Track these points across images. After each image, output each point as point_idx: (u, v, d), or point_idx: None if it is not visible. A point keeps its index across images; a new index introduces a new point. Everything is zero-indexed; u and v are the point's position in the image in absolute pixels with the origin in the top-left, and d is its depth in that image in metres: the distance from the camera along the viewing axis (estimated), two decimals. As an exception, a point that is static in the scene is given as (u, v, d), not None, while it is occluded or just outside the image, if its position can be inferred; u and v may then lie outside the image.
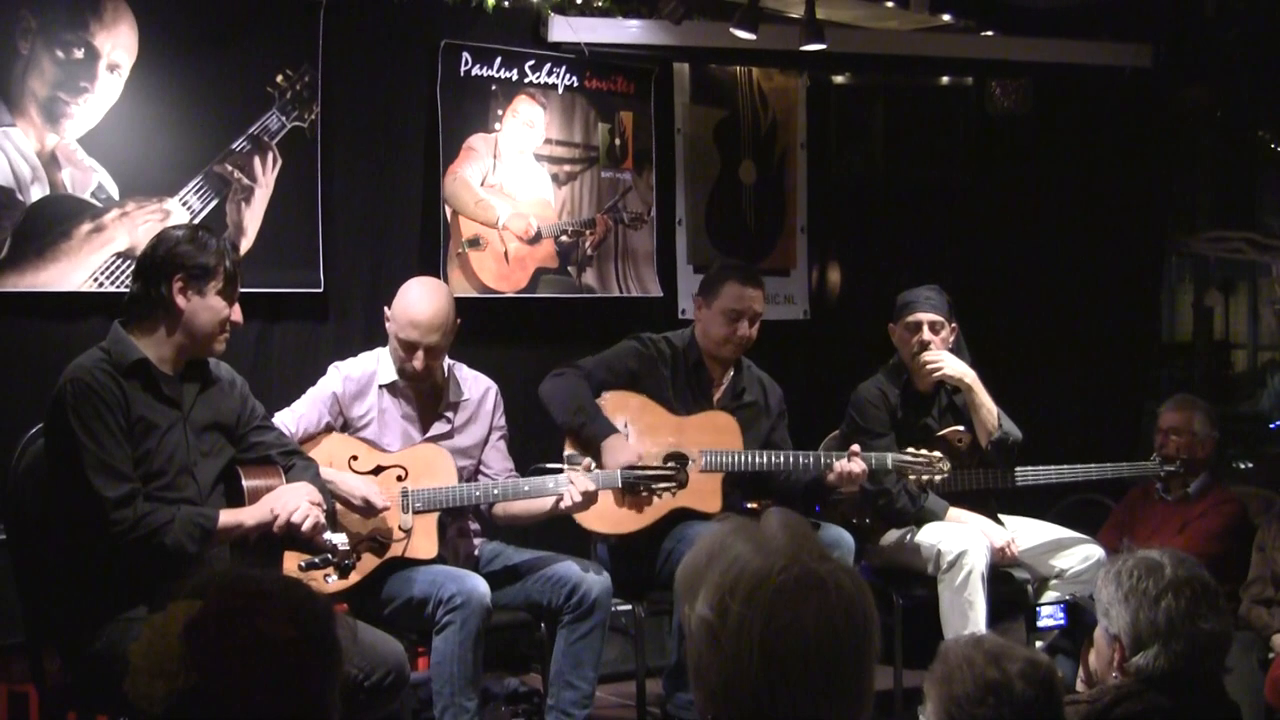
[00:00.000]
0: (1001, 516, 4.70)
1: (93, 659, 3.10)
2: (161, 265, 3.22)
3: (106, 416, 3.09)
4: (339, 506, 3.76)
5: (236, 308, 3.29)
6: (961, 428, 4.58)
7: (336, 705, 1.66)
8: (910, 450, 4.35)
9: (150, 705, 1.58)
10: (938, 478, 4.33)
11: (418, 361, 3.86)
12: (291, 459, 3.44)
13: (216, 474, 3.30)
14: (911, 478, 4.35)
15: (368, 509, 3.75)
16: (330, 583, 3.35)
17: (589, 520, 4.15)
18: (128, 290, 3.32)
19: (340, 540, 3.32)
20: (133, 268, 3.40)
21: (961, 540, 4.37)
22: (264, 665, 1.59)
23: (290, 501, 3.23)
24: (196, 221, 4.30)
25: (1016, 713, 2.00)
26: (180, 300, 3.19)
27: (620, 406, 4.29)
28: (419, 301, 3.90)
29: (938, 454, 4.34)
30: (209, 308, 3.22)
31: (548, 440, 4.34)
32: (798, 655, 1.51)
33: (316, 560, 3.28)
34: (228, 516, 3.19)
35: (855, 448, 4.26)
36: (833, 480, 4.25)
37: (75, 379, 3.12)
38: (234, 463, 3.35)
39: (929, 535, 4.47)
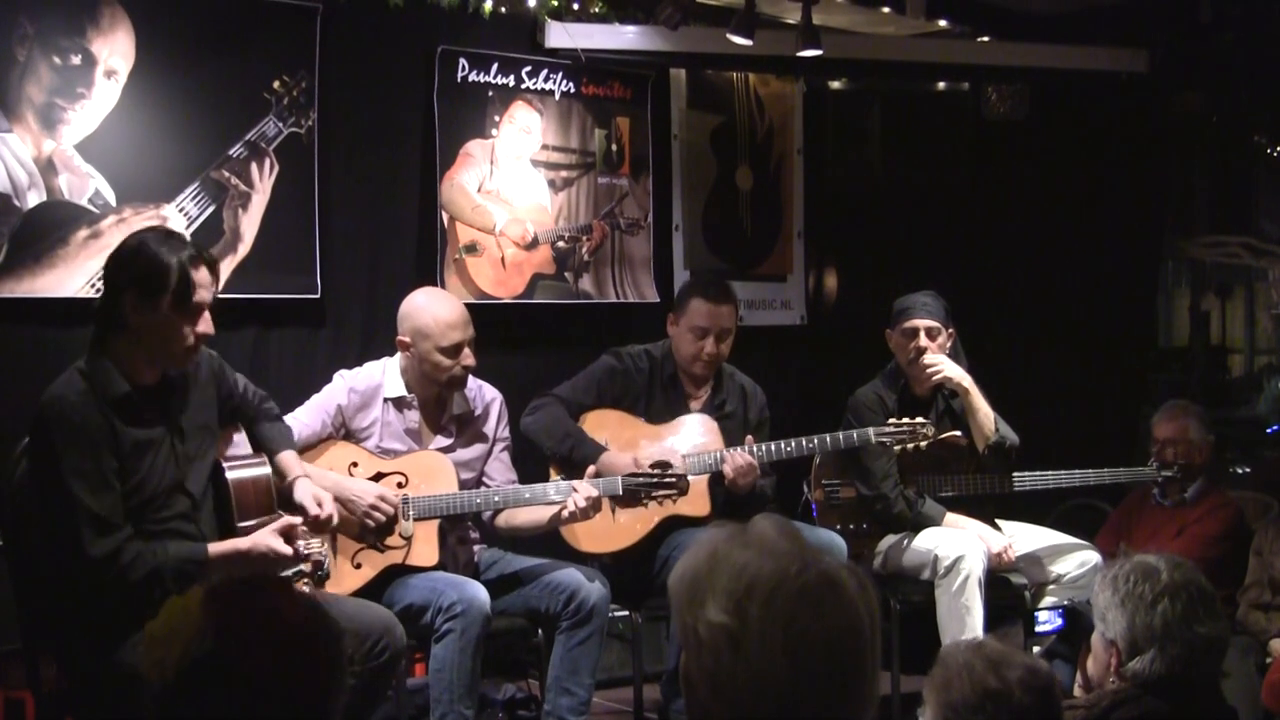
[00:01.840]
0: (999, 522, 4.71)
1: (89, 666, 3.09)
2: (114, 277, 3.15)
3: (95, 459, 3.03)
4: (343, 512, 3.76)
5: (205, 319, 3.15)
6: (959, 432, 4.58)
7: (339, 715, 1.67)
8: (892, 421, 4.35)
9: (162, 672, 1.60)
10: (923, 444, 4.34)
11: (469, 359, 3.89)
12: (263, 424, 3.49)
13: (208, 475, 3.29)
14: (897, 448, 4.36)
15: (375, 513, 3.74)
16: (306, 589, 3.31)
17: (584, 541, 4.15)
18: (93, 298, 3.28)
19: (315, 546, 3.30)
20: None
21: (959, 545, 4.37)
22: (277, 638, 1.62)
23: (267, 544, 3.21)
24: (192, 228, 4.30)
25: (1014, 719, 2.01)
26: (132, 316, 3.09)
27: (599, 425, 4.30)
28: (440, 305, 3.93)
29: (920, 420, 4.35)
30: (162, 323, 3.10)
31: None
32: (822, 655, 1.51)
33: (289, 573, 3.25)
34: (216, 551, 3.16)
35: (750, 438, 4.25)
36: (730, 475, 4.18)
37: (60, 417, 3.03)
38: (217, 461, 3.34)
39: (926, 540, 4.47)
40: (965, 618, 4.31)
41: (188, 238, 3.27)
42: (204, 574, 3.08)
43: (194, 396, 3.30)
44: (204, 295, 3.14)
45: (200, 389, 3.33)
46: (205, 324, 3.17)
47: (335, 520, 3.48)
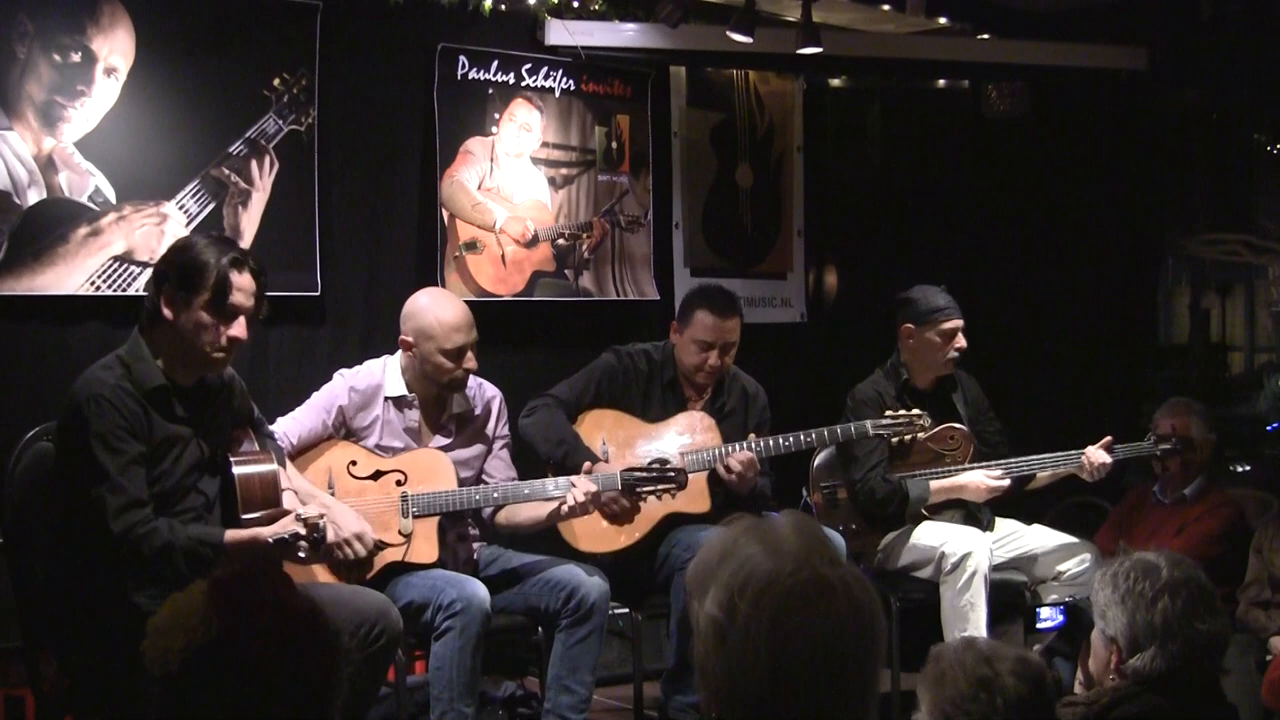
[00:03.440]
0: (999, 520, 4.72)
1: (90, 663, 3.09)
2: (159, 268, 3.23)
3: (126, 439, 3.07)
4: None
5: (239, 323, 3.19)
6: (958, 425, 4.60)
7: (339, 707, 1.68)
8: (889, 413, 4.36)
9: (166, 662, 1.61)
10: (921, 435, 4.35)
11: (471, 362, 3.89)
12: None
13: (219, 481, 3.31)
14: (895, 439, 4.37)
15: (348, 548, 3.62)
16: (303, 556, 3.24)
17: (583, 542, 4.15)
18: (142, 294, 3.32)
19: (312, 512, 3.23)
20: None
21: (965, 542, 4.38)
22: (280, 625, 1.64)
23: (291, 530, 3.19)
24: (192, 226, 4.30)
25: (1009, 707, 2.01)
26: (166, 310, 3.15)
27: (597, 425, 4.30)
28: (445, 307, 3.92)
29: (917, 411, 4.37)
30: (193, 321, 3.14)
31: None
32: (804, 658, 1.51)
33: (285, 536, 3.14)
34: (232, 538, 3.15)
35: (752, 436, 4.25)
36: (733, 469, 4.17)
37: (98, 396, 3.07)
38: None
39: (931, 537, 4.47)
40: (969, 614, 4.31)
41: (241, 248, 3.29)
42: (218, 558, 3.10)
43: (224, 409, 3.35)
44: (241, 299, 3.18)
45: (228, 405, 3.37)
46: (239, 328, 3.19)
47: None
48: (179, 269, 3.16)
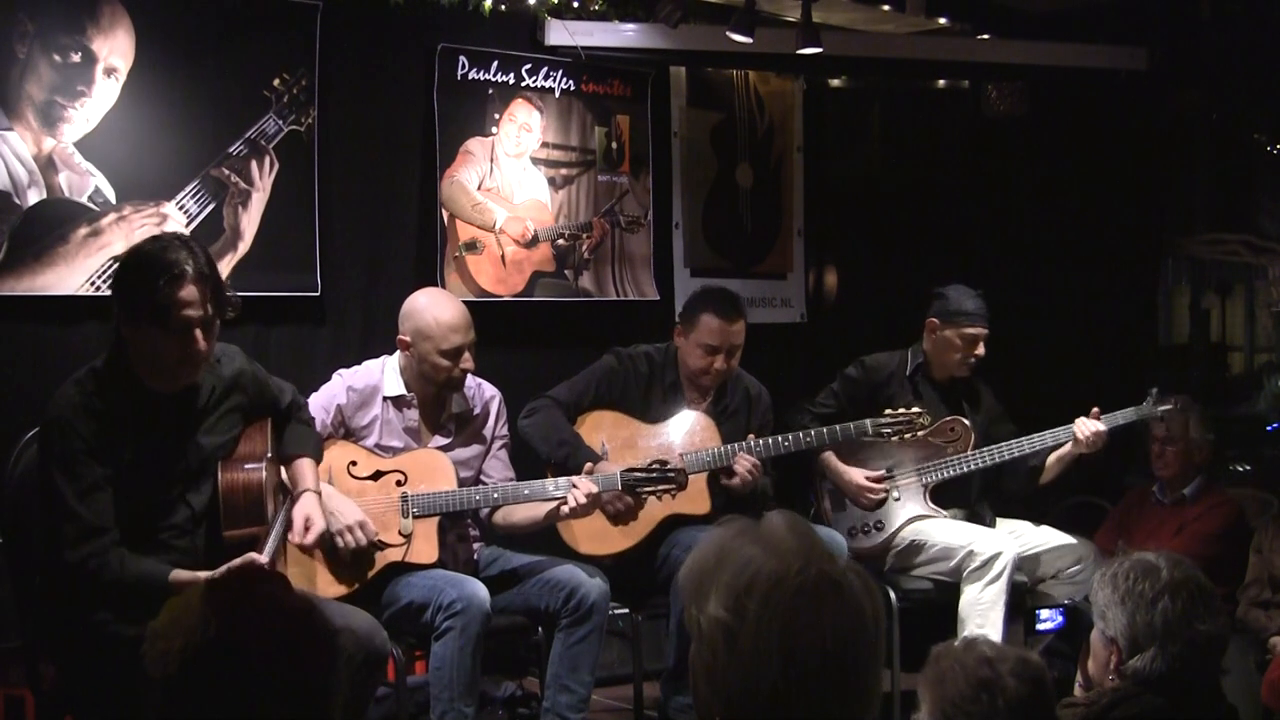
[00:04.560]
0: (1000, 520, 4.72)
1: (89, 664, 3.09)
2: (110, 287, 3.15)
3: (87, 464, 3.01)
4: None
5: (195, 336, 3.03)
6: (958, 418, 4.60)
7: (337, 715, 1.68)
8: (888, 411, 4.37)
9: (166, 664, 1.61)
10: (920, 433, 4.38)
11: (468, 363, 3.89)
12: (289, 425, 3.46)
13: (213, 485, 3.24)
14: (895, 439, 4.38)
15: (348, 535, 3.63)
16: None
17: (583, 544, 4.15)
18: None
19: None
20: None
21: (995, 542, 4.39)
22: (278, 625, 1.64)
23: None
24: (192, 226, 4.30)
25: (1009, 708, 2.01)
26: (123, 328, 3.07)
27: (596, 425, 4.30)
28: (443, 307, 3.92)
29: (916, 410, 4.38)
30: (146, 338, 3.04)
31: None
32: (816, 655, 1.51)
33: None
34: (177, 579, 3.05)
35: (752, 437, 4.27)
36: (736, 482, 4.19)
37: (60, 419, 3.02)
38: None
39: (954, 536, 4.47)
40: (989, 613, 4.32)
41: (188, 249, 3.08)
42: (168, 595, 3.04)
43: (218, 409, 3.25)
44: (189, 313, 3.02)
45: (227, 402, 3.27)
46: (196, 341, 3.04)
47: (312, 546, 3.41)
48: (122, 290, 3.06)
